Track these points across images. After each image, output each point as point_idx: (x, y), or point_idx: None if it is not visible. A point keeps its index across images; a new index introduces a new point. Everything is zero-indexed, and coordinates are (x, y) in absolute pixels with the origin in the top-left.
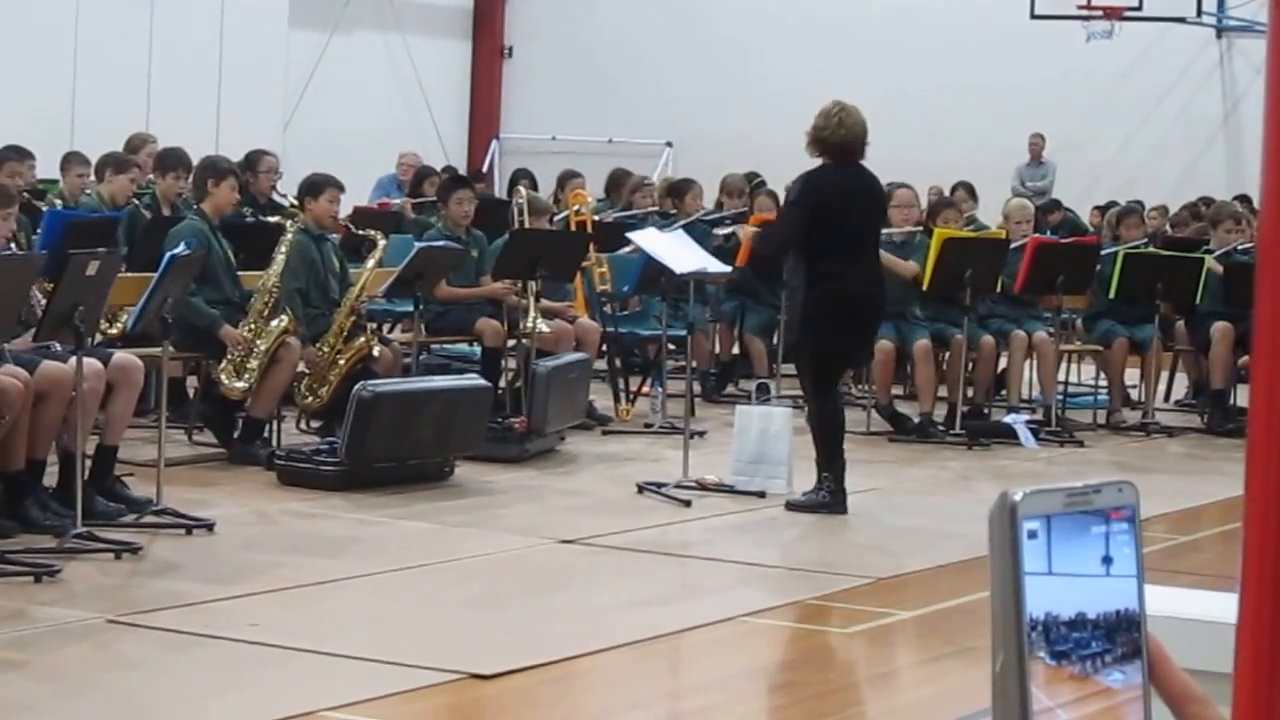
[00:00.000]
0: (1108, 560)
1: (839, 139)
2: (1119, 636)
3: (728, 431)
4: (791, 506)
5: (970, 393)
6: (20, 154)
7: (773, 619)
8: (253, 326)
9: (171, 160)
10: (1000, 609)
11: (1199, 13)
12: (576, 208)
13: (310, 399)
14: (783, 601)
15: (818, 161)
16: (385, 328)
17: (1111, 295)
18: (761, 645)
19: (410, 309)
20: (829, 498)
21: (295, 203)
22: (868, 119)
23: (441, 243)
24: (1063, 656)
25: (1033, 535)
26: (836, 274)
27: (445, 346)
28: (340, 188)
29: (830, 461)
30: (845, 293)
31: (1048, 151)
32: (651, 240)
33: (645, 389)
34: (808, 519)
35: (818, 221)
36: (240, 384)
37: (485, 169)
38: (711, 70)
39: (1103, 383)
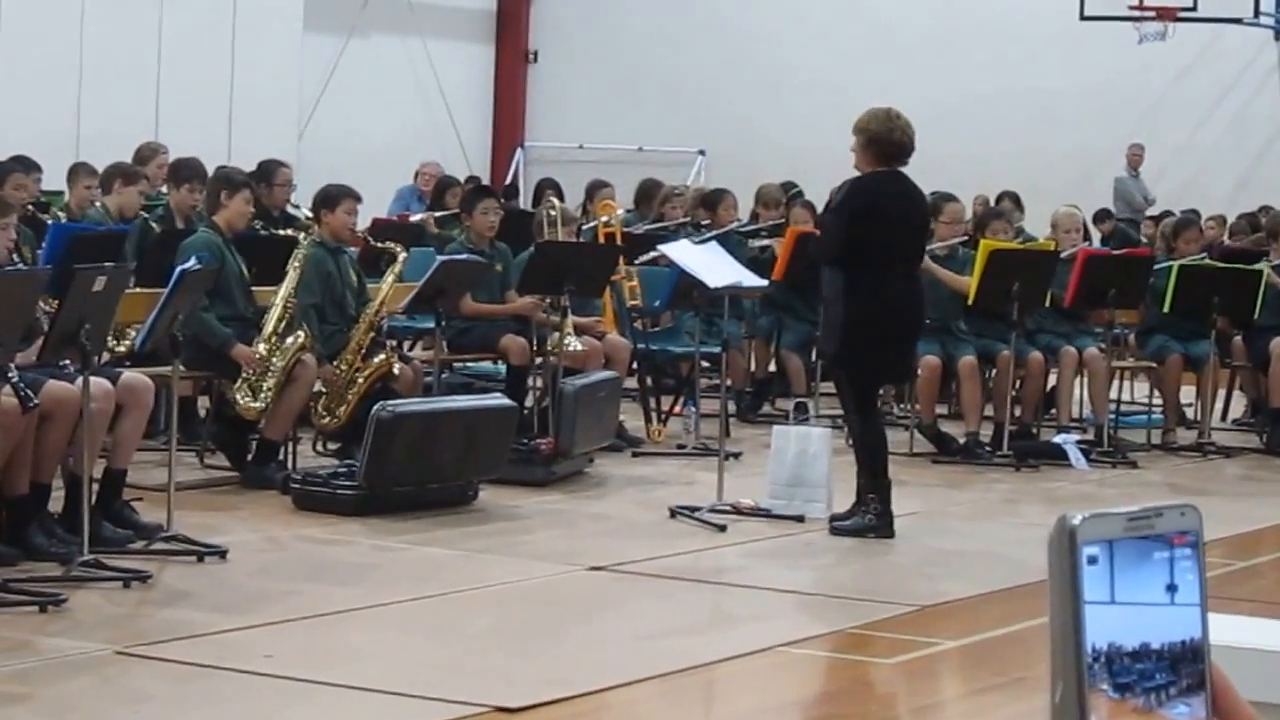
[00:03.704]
0: (1172, 588)
1: (895, 143)
2: (1183, 668)
3: (764, 453)
4: (836, 530)
5: (1018, 412)
6: (25, 166)
7: (811, 649)
8: (267, 344)
9: (187, 171)
10: (1060, 638)
11: (1256, 13)
12: (605, 219)
13: (327, 419)
14: (822, 631)
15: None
16: (406, 345)
17: (1166, 309)
18: (799, 677)
19: (432, 325)
20: (875, 520)
21: (310, 215)
22: None
23: (464, 256)
24: (1126, 689)
25: (1093, 561)
26: (877, 285)
27: (468, 364)
28: (358, 199)
29: (876, 482)
30: (886, 305)
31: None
32: (684, 253)
33: (678, 409)
34: (847, 543)
35: (860, 230)
36: (255, 404)
37: (510, 179)
38: (746, 75)
39: (1156, 401)
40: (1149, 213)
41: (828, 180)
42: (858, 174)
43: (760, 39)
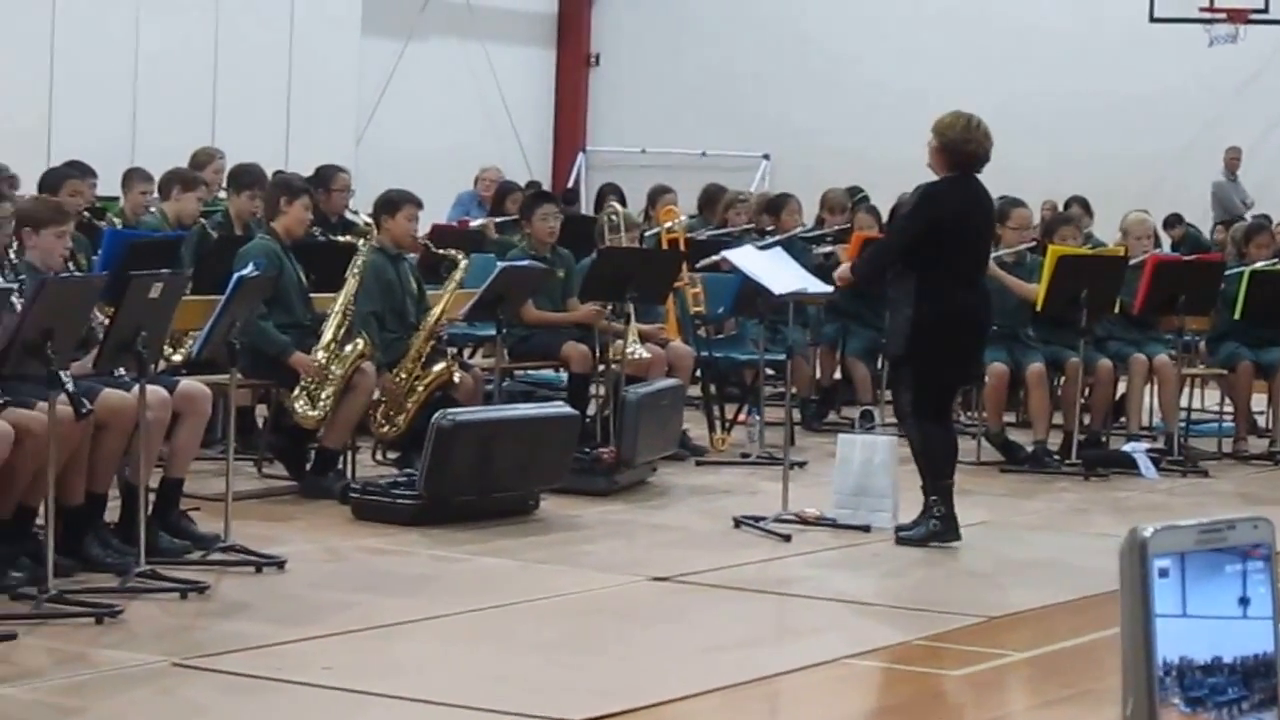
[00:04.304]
0: (1244, 601)
1: (968, 153)
2: (1256, 682)
3: (829, 462)
4: (902, 539)
5: (1087, 420)
6: (81, 171)
7: (877, 660)
8: (326, 352)
9: (246, 178)
10: (1130, 651)
11: None
12: (668, 225)
13: (387, 428)
14: (887, 642)
15: (925, 174)
16: (466, 353)
17: (1237, 316)
18: (865, 689)
19: (492, 333)
20: (940, 525)
21: (370, 221)
22: None
23: (525, 262)
24: (1198, 704)
25: (1164, 574)
26: (945, 291)
27: (529, 372)
28: (418, 205)
29: (936, 484)
30: (952, 308)
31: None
32: (748, 259)
33: (742, 417)
34: (913, 553)
35: (931, 236)
36: (314, 412)
37: (571, 184)
38: (811, 78)
39: (1227, 409)
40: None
41: (894, 185)
42: (929, 179)
43: (826, 41)
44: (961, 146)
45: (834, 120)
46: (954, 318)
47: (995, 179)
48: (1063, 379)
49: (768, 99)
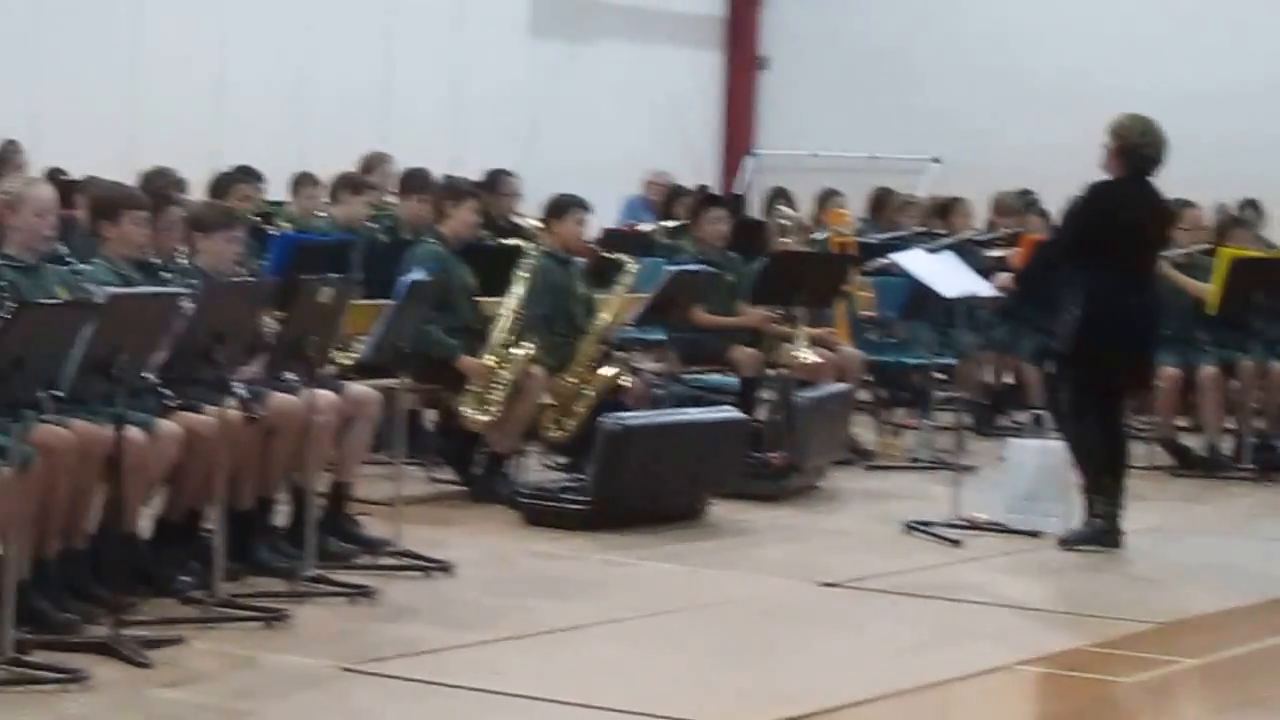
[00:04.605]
0: None
1: (1143, 157)
2: None
3: (999, 466)
4: (1065, 544)
5: (1260, 423)
6: (250, 176)
7: (1047, 667)
8: (494, 356)
9: (417, 182)
10: None
11: None
12: (837, 228)
13: (556, 432)
14: (1059, 648)
15: (1099, 176)
16: (635, 357)
17: None
18: (1035, 695)
19: (662, 337)
20: (1103, 523)
21: (539, 225)
22: None
23: (695, 266)
24: None
25: None
26: (1116, 291)
27: (699, 376)
28: (587, 209)
29: (1095, 485)
30: (1123, 311)
31: None
32: (918, 262)
33: (912, 421)
34: (1084, 558)
35: (1100, 235)
36: (483, 417)
37: (740, 189)
38: (982, 80)
39: None
40: None
41: (1066, 187)
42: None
43: (996, 44)
44: (1138, 149)
45: (1004, 123)
46: (1124, 318)
47: (1168, 179)
48: (1235, 382)
49: (937, 102)
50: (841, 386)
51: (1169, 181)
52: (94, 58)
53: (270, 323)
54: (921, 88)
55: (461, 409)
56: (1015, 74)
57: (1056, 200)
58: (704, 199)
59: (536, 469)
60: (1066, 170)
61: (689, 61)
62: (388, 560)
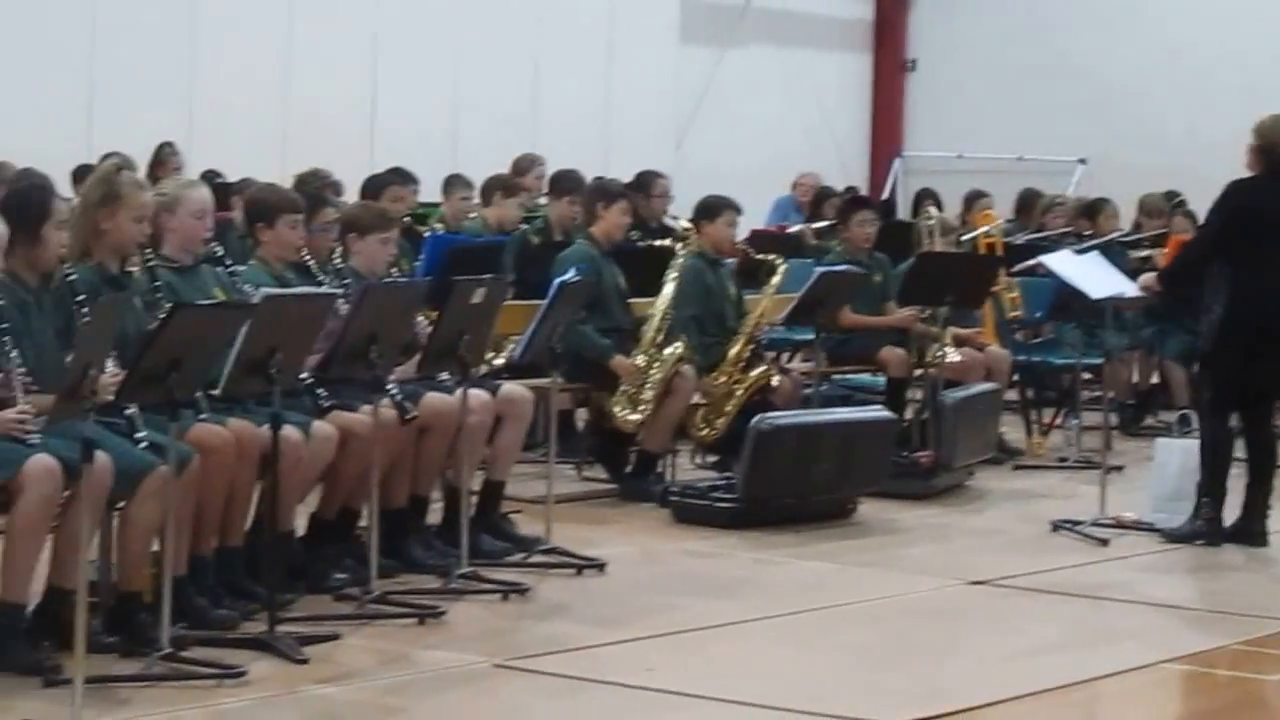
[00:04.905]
0: None
1: None
2: None
3: (1147, 466)
4: (1169, 538)
5: None
6: (403, 178)
7: (1196, 665)
8: (645, 356)
9: (566, 183)
10: None
11: None
12: (985, 229)
13: (706, 431)
14: (1207, 646)
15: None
16: (784, 356)
17: None
18: (1183, 693)
19: (810, 337)
20: (1205, 525)
21: (690, 226)
22: None
23: (843, 267)
24: None
25: None
26: (1256, 288)
27: (847, 376)
28: (738, 210)
29: (1208, 486)
30: (1268, 310)
31: None
32: (1064, 263)
33: (1059, 421)
34: (1230, 557)
35: (1243, 232)
36: (634, 416)
37: (888, 192)
38: (1129, 81)
39: None
40: None
41: (1213, 192)
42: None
43: (1146, 43)
44: (1277, 148)
45: (1151, 124)
46: (1268, 317)
47: None
48: None
49: (1084, 103)
50: (989, 386)
51: None
52: (249, 62)
53: (424, 323)
54: (1068, 89)
55: (613, 408)
56: (1163, 76)
57: (1204, 204)
58: (852, 200)
59: (686, 468)
60: (1214, 171)
61: (837, 64)
62: (540, 558)
